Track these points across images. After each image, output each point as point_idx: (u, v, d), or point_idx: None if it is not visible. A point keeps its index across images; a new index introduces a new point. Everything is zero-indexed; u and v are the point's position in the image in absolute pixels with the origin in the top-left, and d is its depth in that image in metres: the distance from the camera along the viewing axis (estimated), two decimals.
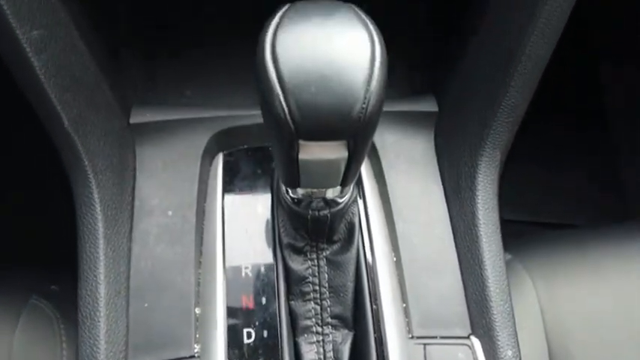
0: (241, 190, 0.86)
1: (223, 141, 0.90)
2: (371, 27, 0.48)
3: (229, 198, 0.85)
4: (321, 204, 0.68)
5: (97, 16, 0.82)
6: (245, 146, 0.91)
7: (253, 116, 0.89)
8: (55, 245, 1.03)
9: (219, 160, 0.90)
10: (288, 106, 0.47)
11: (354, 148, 0.52)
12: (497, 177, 0.83)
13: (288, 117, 0.47)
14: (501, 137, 0.80)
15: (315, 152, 0.53)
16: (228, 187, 0.87)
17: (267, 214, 0.84)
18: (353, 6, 0.50)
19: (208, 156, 0.89)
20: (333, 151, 0.53)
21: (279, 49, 0.46)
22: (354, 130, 0.49)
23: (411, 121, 0.90)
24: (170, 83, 1.03)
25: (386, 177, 0.86)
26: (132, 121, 0.88)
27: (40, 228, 1.39)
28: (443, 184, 0.87)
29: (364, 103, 0.47)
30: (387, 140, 0.89)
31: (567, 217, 1.62)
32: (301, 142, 0.50)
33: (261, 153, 0.90)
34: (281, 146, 0.52)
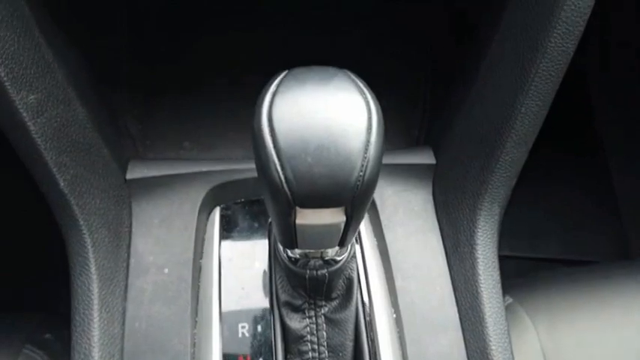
0: (238, 246, 0.85)
1: (220, 195, 0.89)
2: (367, 93, 0.48)
3: (226, 255, 0.84)
4: (319, 263, 0.67)
5: (95, 74, 0.82)
6: (242, 200, 0.90)
7: (249, 170, 0.89)
8: (52, 290, 1.01)
9: (216, 215, 0.89)
10: (285, 175, 0.46)
11: (352, 212, 0.52)
12: (497, 231, 0.82)
13: (285, 186, 0.47)
14: (499, 192, 0.79)
15: (312, 218, 0.52)
16: (224, 243, 0.86)
17: (264, 271, 0.83)
18: (348, 72, 0.50)
19: (205, 210, 0.88)
20: (330, 217, 0.52)
21: (275, 119, 0.46)
22: (352, 198, 0.49)
23: (409, 173, 0.90)
24: (168, 136, 1.03)
25: (384, 231, 0.85)
26: (128, 176, 0.87)
27: (37, 266, 1.36)
28: (442, 237, 0.86)
29: (361, 171, 0.47)
30: (385, 193, 0.88)
31: (567, 248, 1.60)
32: (298, 209, 0.50)
33: (258, 206, 0.89)
34: (278, 212, 0.52)
